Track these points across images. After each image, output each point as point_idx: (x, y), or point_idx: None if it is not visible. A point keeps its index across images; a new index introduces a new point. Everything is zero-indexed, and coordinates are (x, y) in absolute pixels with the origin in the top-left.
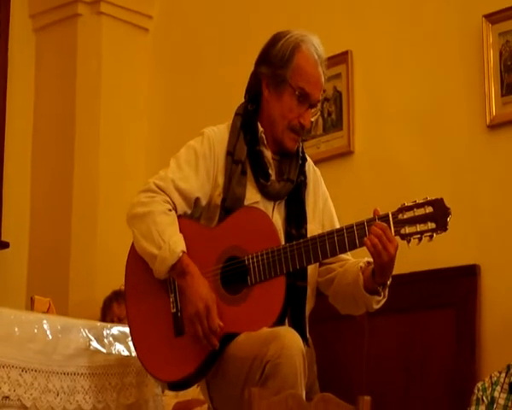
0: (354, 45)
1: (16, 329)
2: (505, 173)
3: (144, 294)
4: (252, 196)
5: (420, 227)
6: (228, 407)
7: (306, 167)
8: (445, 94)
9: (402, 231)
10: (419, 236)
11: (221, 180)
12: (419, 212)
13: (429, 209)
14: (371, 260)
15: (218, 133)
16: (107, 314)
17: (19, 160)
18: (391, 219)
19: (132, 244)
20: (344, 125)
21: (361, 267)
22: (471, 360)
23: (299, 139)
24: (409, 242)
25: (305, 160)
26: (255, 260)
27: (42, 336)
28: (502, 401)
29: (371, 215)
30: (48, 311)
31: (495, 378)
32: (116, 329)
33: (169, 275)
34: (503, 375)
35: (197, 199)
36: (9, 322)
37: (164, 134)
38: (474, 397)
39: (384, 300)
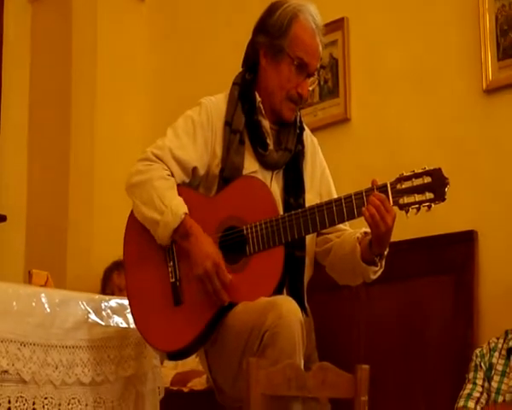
0: (350, 12)
1: (14, 303)
2: (502, 138)
3: (143, 264)
4: (250, 165)
5: (418, 197)
6: (226, 377)
7: (304, 137)
8: (442, 59)
9: (400, 201)
10: (417, 206)
11: (219, 150)
12: (417, 182)
13: (427, 179)
14: (368, 230)
15: (216, 103)
16: (108, 285)
17: (15, 132)
18: (389, 189)
19: (131, 214)
20: (340, 93)
21: (358, 238)
22: (469, 326)
23: (297, 109)
24: (407, 212)
25: (302, 129)
26: (254, 229)
27: (40, 310)
28: (500, 367)
29: (369, 183)
30: (46, 284)
31: (493, 344)
32: (114, 301)
33: (172, 239)
34: (501, 341)
35: (195, 168)
36: (7, 296)
37: (160, 103)
38: (473, 364)
39: (381, 270)
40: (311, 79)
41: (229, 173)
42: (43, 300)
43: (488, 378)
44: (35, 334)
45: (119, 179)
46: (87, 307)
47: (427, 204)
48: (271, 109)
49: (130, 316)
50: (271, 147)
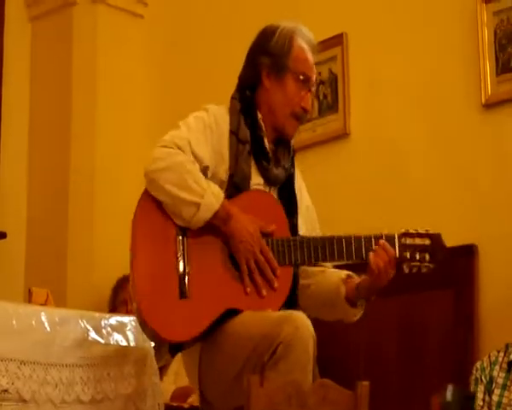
0: (349, 27)
1: (14, 322)
2: (501, 152)
3: (152, 251)
4: (255, 177)
5: (419, 256)
6: (218, 388)
7: (295, 161)
8: (441, 74)
9: (404, 255)
10: (418, 264)
11: (226, 156)
12: (419, 241)
13: (427, 242)
14: (351, 273)
15: (220, 110)
16: (119, 294)
17: (15, 150)
18: (396, 241)
19: (141, 201)
20: (339, 108)
21: (343, 279)
22: (470, 341)
23: (298, 126)
24: (409, 269)
25: (295, 152)
26: (268, 244)
27: (40, 329)
28: (500, 381)
29: (368, 198)
30: (46, 303)
31: (493, 358)
32: (114, 319)
33: (209, 222)
34: (502, 354)
35: (206, 168)
36: (7, 315)
37: (159, 120)
38: (473, 377)
39: (361, 313)
40: (311, 92)
41: (239, 181)
42: (43, 318)
43: (489, 392)
44: (35, 353)
45: (119, 196)
46: (87, 326)
47: (426, 267)
48: (272, 127)
49: (129, 334)
50: (272, 163)
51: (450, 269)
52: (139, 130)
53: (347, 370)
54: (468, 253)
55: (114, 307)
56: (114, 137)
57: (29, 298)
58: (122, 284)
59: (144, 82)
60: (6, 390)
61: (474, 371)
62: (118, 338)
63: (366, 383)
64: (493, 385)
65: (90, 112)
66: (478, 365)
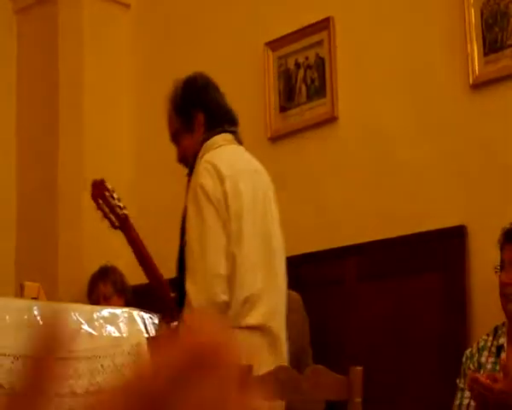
0: (336, 11)
1: (7, 317)
2: (489, 132)
3: None
4: None
5: None
6: None
7: None
8: (428, 56)
9: None
10: None
11: None
12: None
13: None
14: None
15: None
16: (94, 292)
17: (3, 143)
18: None
19: None
20: (327, 92)
21: None
22: (460, 323)
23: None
24: None
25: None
26: None
27: (32, 323)
28: (489, 366)
29: (357, 181)
30: (38, 296)
31: (482, 343)
32: (106, 311)
33: None
34: (491, 338)
35: None
36: (1, 311)
37: (146, 110)
38: (462, 368)
39: None
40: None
41: None
42: (36, 312)
43: None
44: (28, 347)
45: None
46: (79, 318)
47: None
48: None
49: (122, 325)
50: None
51: (440, 251)
52: (126, 121)
53: (338, 353)
54: (457, 234)
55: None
56: (102, 129)
57: (21, 292)
58: (96, 283)
59: (131, 72)
60: (1, 386)
61: (464, 361)
62: (110, 330)
63: (359, 368)
64: (481, 371)
65: (77, 103)
66: (467, 352)
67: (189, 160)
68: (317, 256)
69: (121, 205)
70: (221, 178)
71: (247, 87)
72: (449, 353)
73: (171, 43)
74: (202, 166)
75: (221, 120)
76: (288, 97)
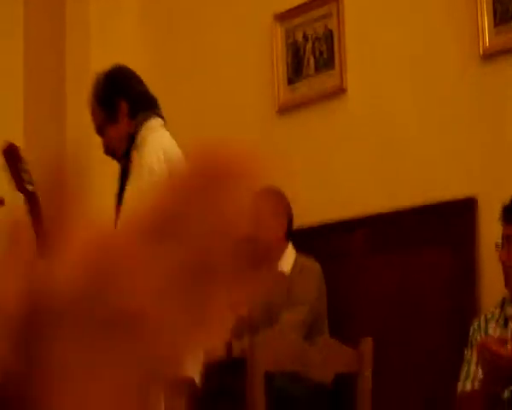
0: None
1: None
2: (500, 103)
3: None
4: None
5: None
6: None
7: None
8: (438, 28)
9: None
10: None
11: None
12: None
13: None
14: None
15: None
16: None
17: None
18: None
19: None
20: (336, 64)
21: None
22: (469, 295)
23: None
24: None
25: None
26: None
27: None
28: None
29: (365, 154)
30: None
31: (489, 315)
32: None
33: None
34: (498, 310)
35: None
36: None
37: (156, 86)
38: (469, 339)
39: None
40: None
41: None
42: None
43: None
44: None
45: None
46: None
47: None
48: None
49: None
50: None
51: (450, 223)
52: None
53: (348, 328)
54: (467, 207)
55: None
56: None
57: None
58: None
59: (139, 47)
60: None
61: (471, 334)
62: None
63: (369, 339)
64: None
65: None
66: (475, 324)
67: (116, 150)
68: (325, 229)
69: (31, 180)
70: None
71: (254, 60)
72: (457, 326)
73: (178, 21)
74: (153, 148)
75: (145, 106)
76: (296, 70)
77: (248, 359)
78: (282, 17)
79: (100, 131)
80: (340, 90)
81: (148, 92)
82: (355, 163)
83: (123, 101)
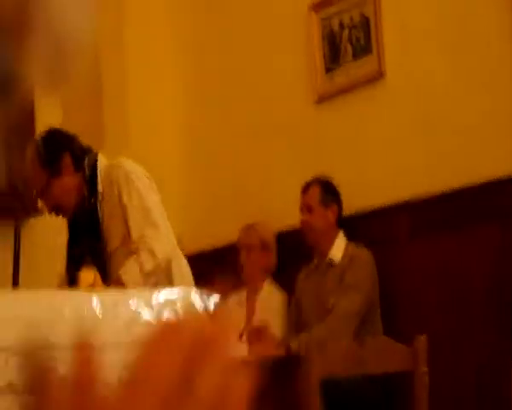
0: None
1: (67, 311)
2: None
3: None
4: None
5: None
6: None
7: None
8: (475, 7)
9: None
10: None
11: None
12: None
13: None
14: None
15: None
16: None
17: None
18: None
19: None
20: (373, 49)
21: None
22: None
23: None
24: None
25: None
26: None
27: (92, 315)
28: None
29: (404, 140)
30: (94, 283)
31: None
32: (163, 294)
33: None
34: None
35: None
36: (59, 304)
37: (190, 81)
38: None
39: None
40: None
41: None
42: (95, 304)
43: None
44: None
45: (152, 162)
46: (137, 306)
47: None
48: None
49: (180, 309)
50: None
51: (495, 203)
52: (171, 96)
53: (394, 314)
54: None
55: None
56: (146, 105)
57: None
58: None
59: (174, 44)
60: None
61: None
62: (169, 314)
63: (423, 337)
64: None
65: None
66: None
67: (63, 205)
68: (368, 215)
69: None
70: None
71: (292, 51)
72: (505, 304)
73: (214, 10)
74: (122, 171)
75: (87, 153)
76: (333, 58)
77: (303, 366)
78: (317, 7)
79: (43, 193)
80: (378, 75)
81: (85, 146)
82: (397, 148)
83: (66, 154)
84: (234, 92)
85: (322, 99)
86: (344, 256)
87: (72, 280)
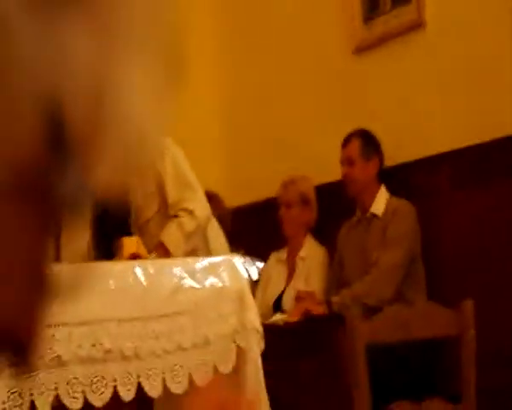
0: None
1: (111, 281)
2: None
3: None
4: None
5: None
6: None
7: None
8: None
9: None
10: None
11: None
12: None
13: None
14: None
15: None
16: None
17: None
18: None
19: None
20: None
21: None
22: None
23: None
24: None
25: None
26: None
27: (136, 284)
28: None
29: (445, 88)
30: (137, 250)
31: None
32: (207, 261)
33: None
34: None
35: None
36: (104, 275)
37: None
38: None
39: None
40: None
41: None
42: (139, 273)
43: None
44: (133, 309)
45: (191, 120)
46: (181, 273)
47: None
48: None
49: (224, 274)
50: None
51: None
52: (210, 74)
53: (435, 266)
54: None
55: None
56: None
57: (119, 248)
58: None
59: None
60: (109, 350)
61: None
62: (213, 281)
63: (470, 301)
64: None
65: None
66: None
67: None
68: (409, 167)
69: None
70: None
71: (329, 0)
72: None
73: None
74: None
75: None
76: (371, 8)
77: (348, 334)
78: None
79: None
80: (418, 25)
81: None
82: (437, 98)
83: None
84: (271, 45)
85: (360, 49)
86: (386, 210)
87: (106, 252)
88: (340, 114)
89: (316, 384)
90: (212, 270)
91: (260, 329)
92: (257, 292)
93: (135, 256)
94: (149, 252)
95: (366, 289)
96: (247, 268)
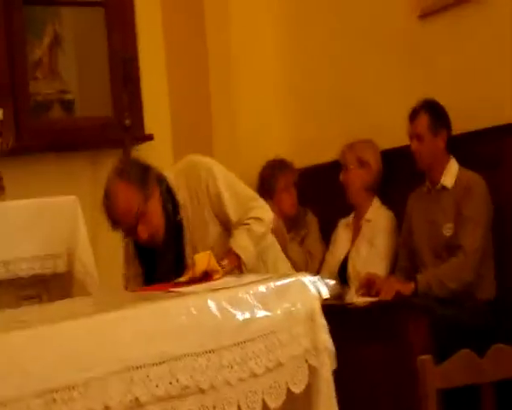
0: None
1: (184, 318)
2: None
3: None
4: None
5: None
6: None
7: None
8: None
9: None
10: None
11: None
12: None
13: None
14: None
15: None
16: (279, 177)
17: (153, 55)
18: None
19: None
20: None
21: None
22: None
23: None
24: None
25: None
26: None
27: (209, 317)
28: None
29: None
30: (208, 266)
31: None
32: (276, 284)
33: None
34: None
35: None
36: (177, 313)
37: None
38: None
39: None
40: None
41: None
42: (211, 305)
43: None
44: (208, 341)
45: (258, 82)
46: (253, 301)
47: None
48: None
49: (295, 294)
50: None
51: None
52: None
53: (503, 242)
54: None
55: (273, 191)
56: (249, 25)
57: (192, 267)
58: (277, 169)
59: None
60: (187, 387)
61: None
62: (284, 305)
63: None
64: None
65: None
66: None
67: (160, 228)
68: (474, 136)
69: None
70: None
71: None
72: None
73: None
74: (202, 168)
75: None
76: None
77: (421, 378)
78: None
79: (137, 221)
80: None
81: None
82: (505, 66)
83: (151, 172)
84: (338, 7)
85: (426, 14)
86: (457, 182)
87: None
88: (405, 76)
89: (380, 372)
90: (282, 294)
91: (333, 348)
92: (326, 256)
93: (206, 273)
94: (220, 260)
95: (451, 272)
96: (318, 290)
